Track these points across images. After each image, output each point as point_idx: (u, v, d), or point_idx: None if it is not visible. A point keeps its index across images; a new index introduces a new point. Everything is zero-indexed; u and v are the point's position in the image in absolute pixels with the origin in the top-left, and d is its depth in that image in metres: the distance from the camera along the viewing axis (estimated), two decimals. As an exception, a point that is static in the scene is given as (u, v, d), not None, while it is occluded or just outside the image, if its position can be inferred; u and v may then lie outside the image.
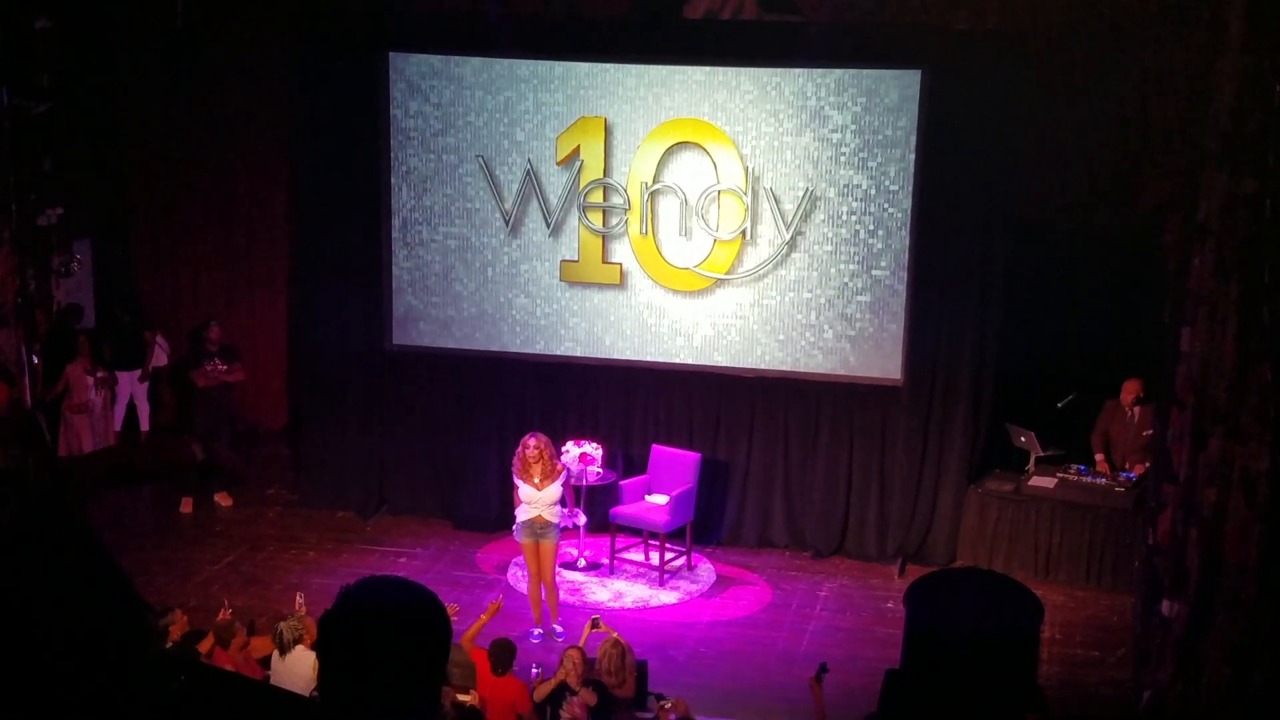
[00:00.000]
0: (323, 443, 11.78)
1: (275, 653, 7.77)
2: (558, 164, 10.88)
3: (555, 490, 9.40)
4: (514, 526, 9.53)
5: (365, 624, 2.29)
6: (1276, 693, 7.79)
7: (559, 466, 9.52)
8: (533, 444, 9.34)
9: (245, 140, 12.76)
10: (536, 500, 9.35)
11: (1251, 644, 7.82)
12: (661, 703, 7.20)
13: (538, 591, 9.55)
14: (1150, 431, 9.85)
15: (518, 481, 9.40)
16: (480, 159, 10.98)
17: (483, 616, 8.31)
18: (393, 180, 11.20)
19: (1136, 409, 10.73)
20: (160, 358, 12.57)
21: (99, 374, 11.90)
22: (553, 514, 9.40)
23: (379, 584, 2.38)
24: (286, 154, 12.59)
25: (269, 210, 13.05)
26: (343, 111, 11.14)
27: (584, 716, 7.57)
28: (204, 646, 7.66)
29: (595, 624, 8.41)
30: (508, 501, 11.43)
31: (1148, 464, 9.98)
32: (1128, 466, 10.78)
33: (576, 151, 10.81)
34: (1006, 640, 2.45)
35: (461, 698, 7.62)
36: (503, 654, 7.74)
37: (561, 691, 7.65)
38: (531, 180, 10.92)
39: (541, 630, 9.52)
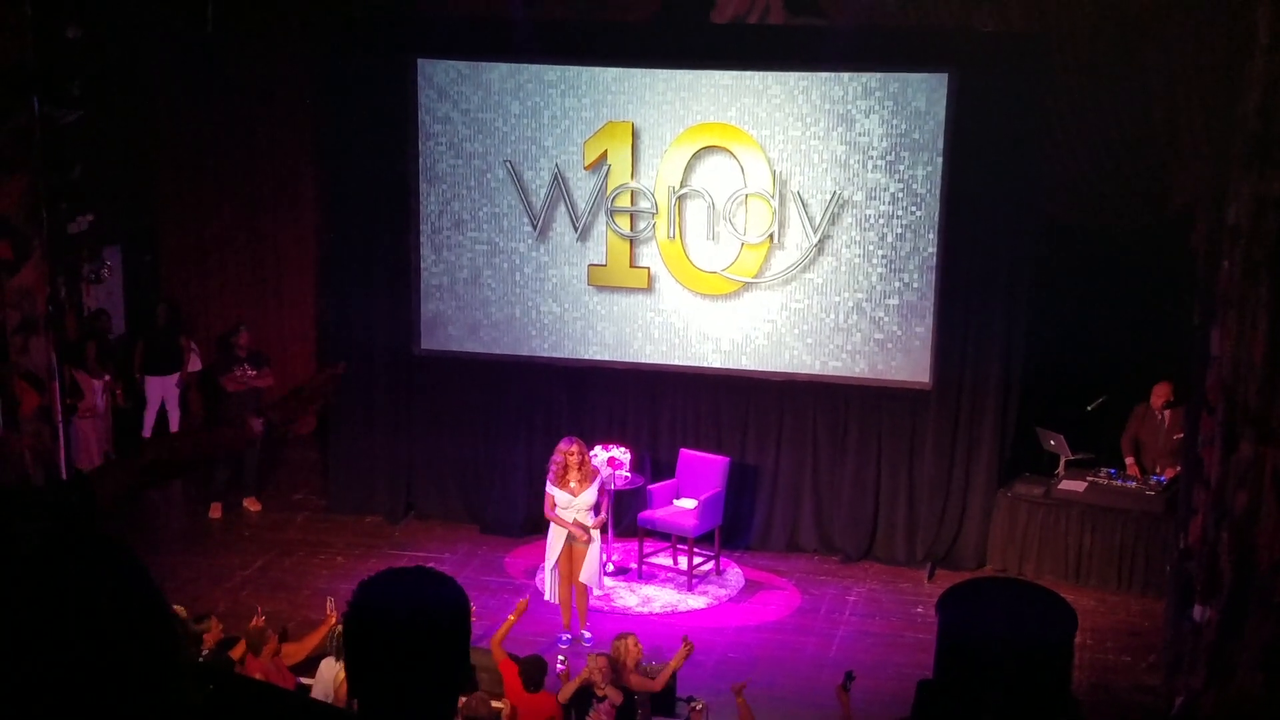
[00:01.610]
0: (351, 447, 11.86)
1: (329, 660, 7.80)
2: (585, 169, 10.93)
3: (591, 495, 9.45)
4: (553, 534, 9.52)
5: (384, 615, 2.28)
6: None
7: (594, 470, 9.56)
8: (571, 449, 9.38)
9: (274, 146, 12.87)
10: (572, 506, 9.39)
11: (1285, 649, 7.79)
12: (693, 704, 7.22)
13: (569, 595, 9.59)
14: (1181, 435, 9.83)
15: (553, 490, 9.42)
16: (508, 164, 11.05)
17: (510, 618, 8.36)
18: (421, 185, 11.27)
19: (1167, 412, 10.70)
20: (194, 363, 12.68)
21: (105, 378, 11.97)
22: (587, 518, 9.44)
23: (398, 575, 2.37)
24: (315, 160, 12.69)
25: (297, 215, 13.14)
26: (371, 117, 11.23)
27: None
28: (235, 653, 7.72)
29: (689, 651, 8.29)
30: (536, 506, 11.48)
31: (1178, 468, 9.95)
32: (1158, 470, 10.76)
33: (604, 156, 10.86)
34: (1042, 650, 2.44)
35: (495, 704, 7.67)
36: (535, 671, 7.77)
37: (586, 694, 7.68)
38: (559, 185, 10.98)
39: (570, 635, 9.56)
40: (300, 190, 13.02)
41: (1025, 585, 2.66)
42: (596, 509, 9.54)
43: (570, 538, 9.43)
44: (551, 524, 9.54)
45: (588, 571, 9.57)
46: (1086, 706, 8.45)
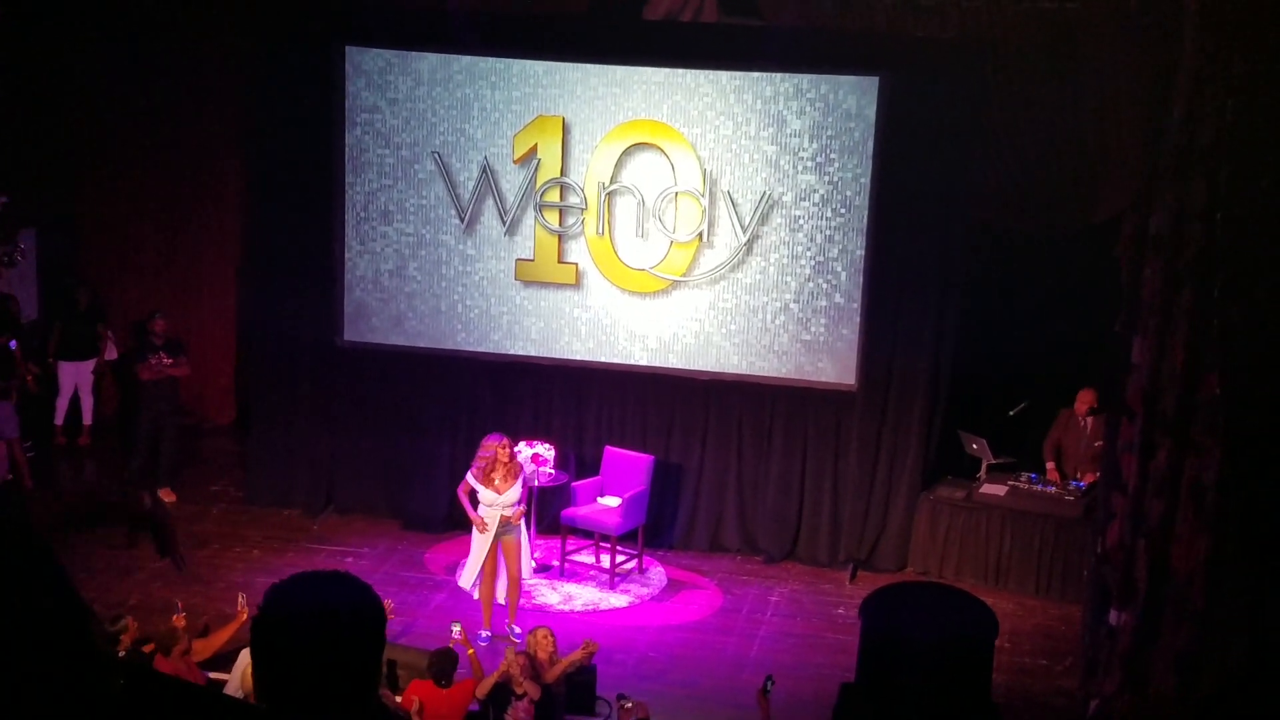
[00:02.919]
0: (270, 439, 11.76)
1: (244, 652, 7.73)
2: (514, 162, 10.90)
3: (516, 492, 9.45)
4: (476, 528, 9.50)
5: (295, 622, 2.27)
6: (1222, 703, 7.91)
7: (518, 466, 9.54)
8: (495, 445, 9.37)
9: (197, 131, 12.68)
10: (497, 503, 9.38)
11: (1198, 654, 7.94)
12: (623, 702, 7.22)
13: (491, 592, 9.54)
14: (1102, 442, 9.97)
15: (476, 485, 9.39)
16: (436, 155, 10.99)
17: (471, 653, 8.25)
18: (347, 175, 11.18)
19: (1090, 419, 10.87)
20: (110, 350, 12.46)
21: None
22: (512, 513, 9.43)
23: (309, 580, 2.36)
24: (239, 146, 12.53)
25: (220, 202, 12.98)
26: (297, 104, 11.11)
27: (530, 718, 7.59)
28: (145, 651, 7.62)
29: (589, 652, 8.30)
30: (457, 502, 11.46)
31: (1098, 474, 10.10)
32: (1079, 476, 10.92)
33: (534, 150, 10.83)
34: (962, 654, 2.48)
35: (395, 699, 7.61)
36: (444, 664, 7.73)
37: (504, 691, 7.65)
38: (488, 178, 10.93)
39: (489, 633, 9.51)
40: (224, 176, 12.86)
41: (947, 589, 2.70)
42: (519, 501, 9.56)
43: (501, 530, 9.40)
44: (471, 518, 9.53)
45: (520, 564, 9.57)
46: (1004, 709, 8.56)
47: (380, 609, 2.37)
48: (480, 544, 9.51)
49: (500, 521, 9.43)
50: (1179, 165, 7.78)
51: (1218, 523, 7.78)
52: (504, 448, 9.40)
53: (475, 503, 9.51)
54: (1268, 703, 7.67)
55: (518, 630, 9.48)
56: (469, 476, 9.51)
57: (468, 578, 9.67)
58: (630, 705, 7.15)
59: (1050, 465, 11.07)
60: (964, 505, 10.80)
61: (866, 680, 2.53)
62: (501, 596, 9.63)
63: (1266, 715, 7.60)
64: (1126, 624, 8.18)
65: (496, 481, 9.38)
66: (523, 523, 9.66)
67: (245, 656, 7.68)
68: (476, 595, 9.63)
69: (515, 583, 9.55)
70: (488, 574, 9.52)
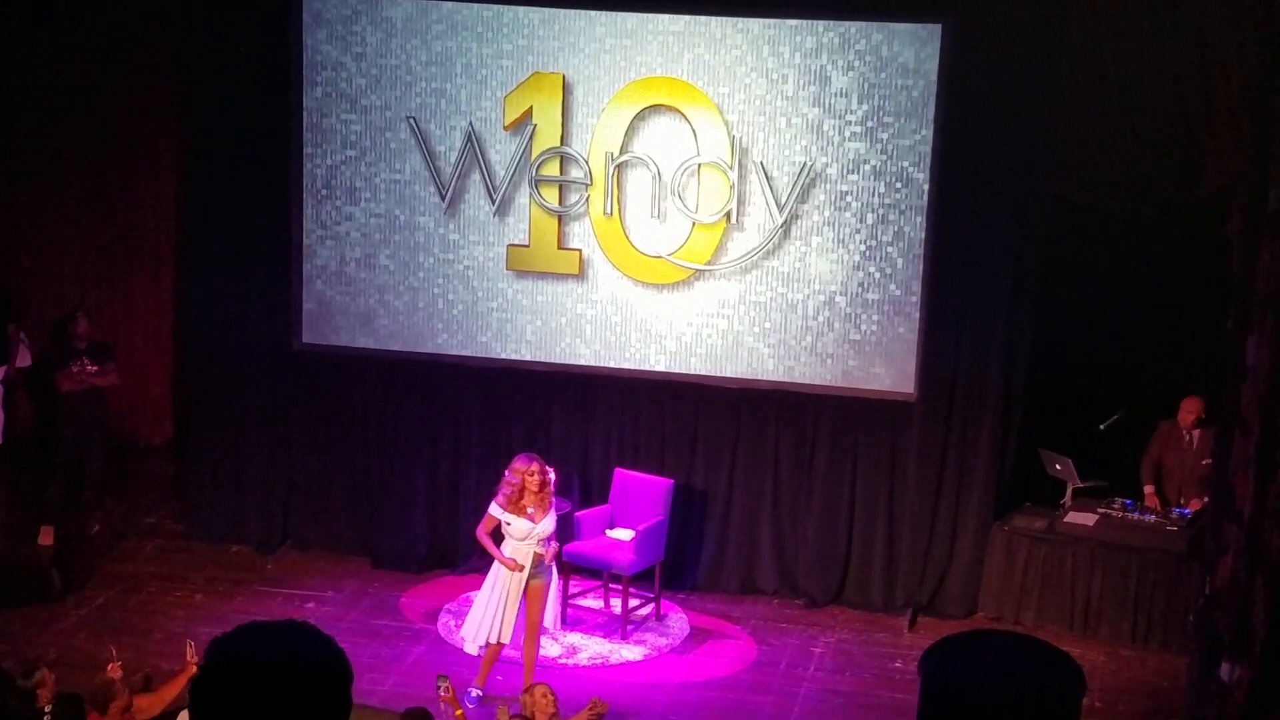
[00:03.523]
0: (214, 462, 11.86)
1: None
2: (505, 129, 10.97)
3: (550, 524, 9.46)
4: (498, 570, 9.42)
5: (242, 682, 2.28)
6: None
7: (551, 495, 9.53)
8: (531, 469, 9.35)
9: (127, 95, 12.68)
10: (532, 536, 9.35)
11: (1327, 714, 7.95)
12: None
13: (533, 649, 9.50)
14: (1210, 460, 9.98)
15: (504, 516, 9.36)
16: (411, 121, 11.06)
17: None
18: (305, 146, 11.27)
19: (1196, 432, 10.90)
20: (24, 357, 12.49)
21: None
22: (546, 550, 9.44)
23: (259, 631, 2.38)
24: (176, 112, 12.53)
25: (154, 179, 13.01)
26: (246, 61, 11.20)
27: None
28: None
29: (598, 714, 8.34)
30: (438, 536, 11.61)
31: (1205, 499, 10.11)
32: (1182, 501, 10.96)
33: (528, 114, 10.90)
34: (1042, 715, 2.47)
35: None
36: None
37: None
38: (473, 147, 11.00)
39: (481, 692, 9.54)
40: (159, 149, 12.87)
41: (1022, 639, 2.70)
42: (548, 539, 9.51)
43: (531, 574, 9.35)
44: (497, 559, 9.43)
45: (548, 613, 9.58)
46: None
47: (344, 664, 2.37)
48: (504, 591, 9.37)
49: (533, 560, 9.39)
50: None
51: (1350, 557, 7.78)
52: (533, 473, 9.35)
53: (499, 540, 9.46)
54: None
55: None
56: (493, 508, 9.45)
57: (476, 636, 9.49)
58: None
59: (1149, 489, 11.10)
60: (1045, 537, 10.83)
61: None
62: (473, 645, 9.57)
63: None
64: (1241, 679, 8.18)
65: (530, 510, 9.37)
66: (554, 565, 9.63)
67: None
68: (475, 652, 9.57)
69: (535, 635, 9.53)
70: (530, 626, 9.41)
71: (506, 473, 9.49)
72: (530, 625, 9.48)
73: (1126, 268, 11.13)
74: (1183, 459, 11.04)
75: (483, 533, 9.49)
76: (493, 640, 9.41)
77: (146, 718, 8.05)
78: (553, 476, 10.38)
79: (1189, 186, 9.97)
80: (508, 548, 9.39)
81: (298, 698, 2.29)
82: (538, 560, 9.38)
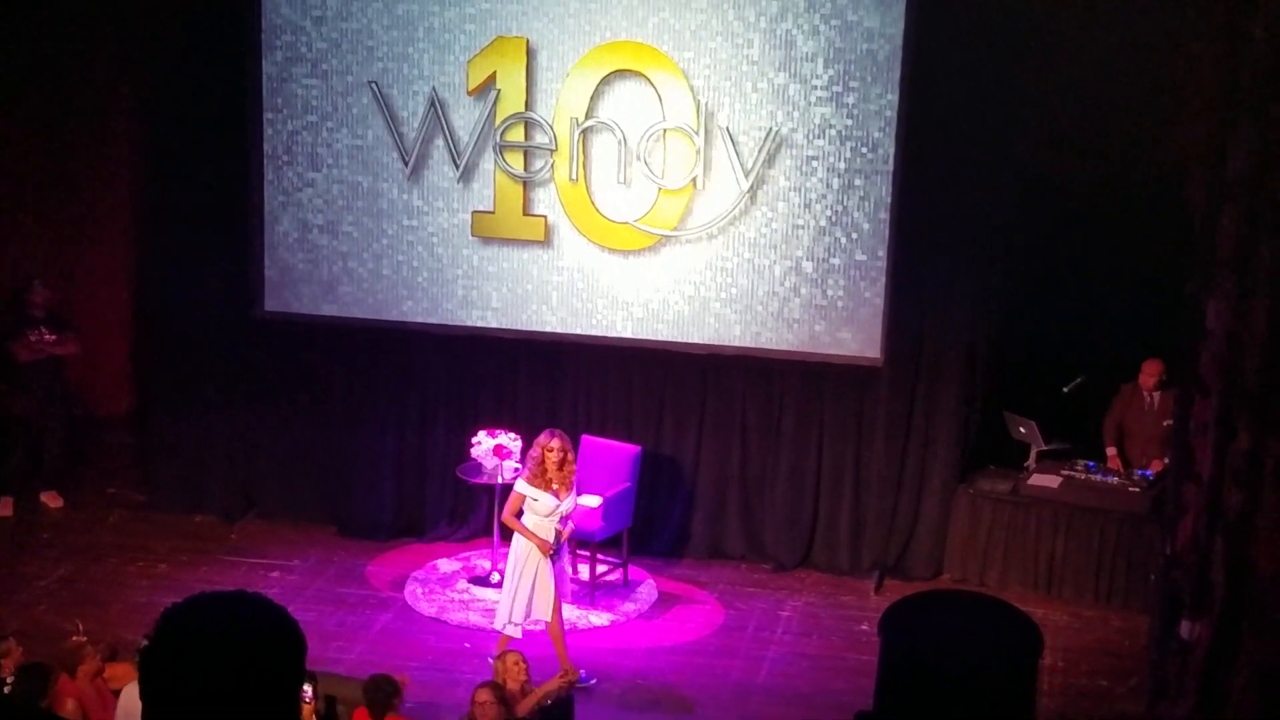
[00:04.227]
0: (176, 431, 11.94)
1: (129, 685, 7.95)
2: (469, 94, 11.06)
3: (572, 503, 9.54)
4: (521, 549, 9.41)
5: (192, 654, 2.31)
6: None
7: (573, 472, 9.55)
8: (556, 445, 9.38)
9: (83, 61, 12.67)
10: (556, 513, 9.41)
11: (1284, 670, 8.24)
12: None
13: (560, 623, 9.54)
14: (1171, 422, 10.18)
15: (530, 490, 9.39)
16: (374, 86, 11.14)
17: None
18: (265, 111, 11.32)
19: (1157, 395, 11.14)
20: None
21: None
22: (563, 527, 9.51)
23: (209, 602, 2.41)
24: (131, 74, 12.53)
25: (110, 145, 13.01)
26: (204, 25, 11.27)
27: None
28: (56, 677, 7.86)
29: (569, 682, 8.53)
30: (405, 503, 11.71)
31: (1167, 460, 10.36)
32: (1145, 463, 11.20)
33: (492, 79, 10.98)
34: (999, 676, 2.54)
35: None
36: (378, 694, 8.00)
37: None
38: (437, 113, 11.08)
39: (588, 672, 9.53)
40: (114, 115, 12.85)
41: (981, 599, 2.77)
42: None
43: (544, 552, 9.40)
44: (518, 536, 9.45)
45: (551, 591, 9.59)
46: (1057, 738, 8.88)
47: (296, 633, 2.41)
48: (533, 571, 9.37)
49: (558, 538, 9.46)
50: (1263, 92, 8.00)
51: (1308, 517, 8.06)
52: (553, 449, 9.36)
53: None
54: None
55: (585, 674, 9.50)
56: (518, 485, 9.49)
57: (513, 616, 9.40)
58: None
59: (1111, 451, 11.34)
60: (1010, 500, 11.09)
61: (886, 708, 2.61)
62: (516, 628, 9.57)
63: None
64: (1201, 636, 8.41)
65: (555, 486, 9.41)
66: (565, 544, 9.67)
67: (133, 697, 7.89)
68: (519, 635, 9.48)
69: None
70: (555, 604, 9.46)
71: (530, 447, 9.53)
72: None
73: (1089, 232, 11.26)
74: (1144, 421, 11.28)
75: (510, 515, 9.47)
76: (546, 618, 9.39)
77: (120, 685, 8.21)
78: (496, 442, 10.54)
79: (1152, 153, 10.18)
80: (530, 523, 9.40)
81: (249, 667, 2.32)
82: (558, 537, 9.48)
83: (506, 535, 11.03)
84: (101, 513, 12.03)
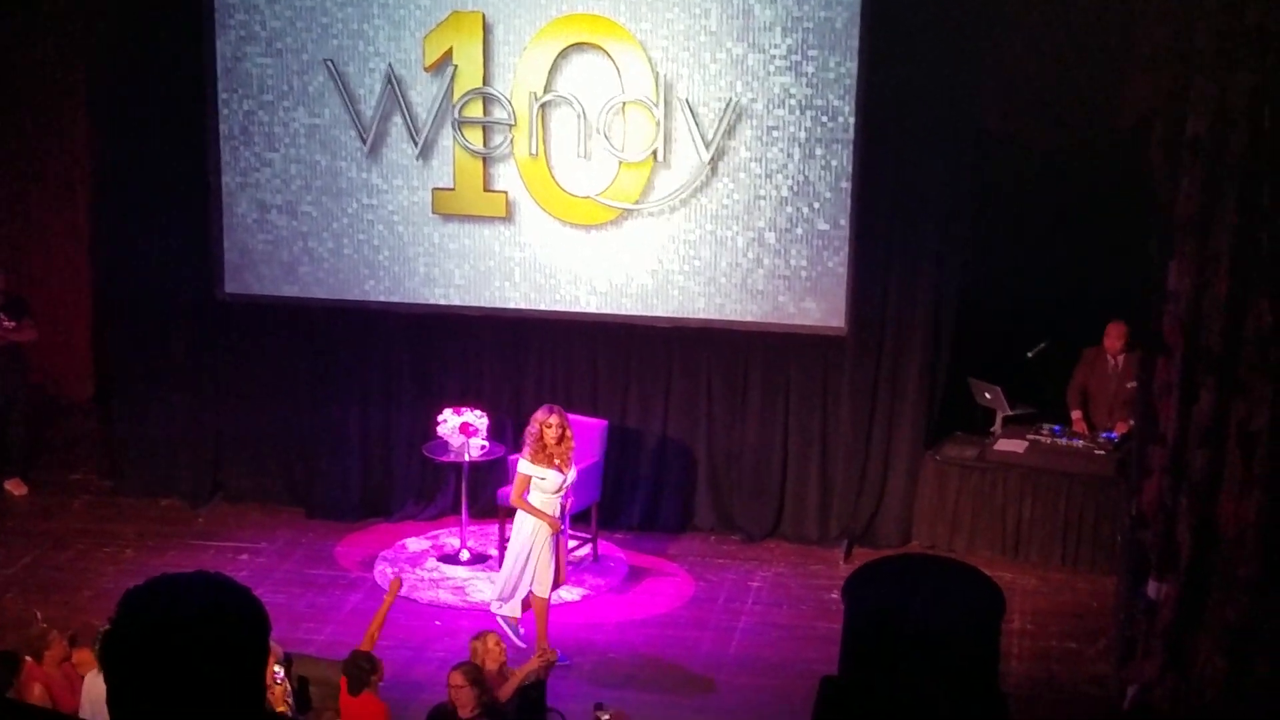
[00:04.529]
0: (140, 416, 11.91)
1: (93, 671, 7.91)
2: (426, 70, 11.02)
3: (574, 476, 9.57)
4: (525, 526, 9.43)
5: (154, 634, 2.30)
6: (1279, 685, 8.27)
7: (572, 446, 9.55)
8: (555, 421, 9.38)
9: (35, 43, 12.60)
10: (563, 488, 9.44)
11: (1250, 629, 8.28)
12: (600, 714, 7.46)
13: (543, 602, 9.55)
14: (1135, 384, 10.22)
15: (534, 469, 9.38)
16: (330, 64, 11.08)
17: (385, 600, 8.49)
18: (220, 92, 11.25)
19: (1121, 357, 11.20)
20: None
21: None
22: (565, 500, 9.54)
23: (173, 582, 2.41)
24: (87, 60, 12.47)
25: (66, 129, 12.95)
26: (156, 4, 11.22)
27: None
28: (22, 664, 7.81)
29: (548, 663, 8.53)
30: (372, 484, 11.72)
31: (1131, 422, 10.39)
32: (1110, 426, 11.27)
33: (448, 55, 10.93)
34: (961, 637, 2.55)
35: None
36: (358, 669, 7.96)
37: (442, 718, 7.83)
38: (394, 90, 11.04)
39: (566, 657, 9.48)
40: (71, 101, 12.79)
41: (943, 563, 2.79)
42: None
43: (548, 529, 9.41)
44: (523, 513, 9.45)
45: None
46: (1027, 702, 8.90)
47: (259, 612, 2.41)
48: (539, 548, 9.39)
49: (553, 519, 9.45)
50: (1219, 53, 8.01)
51: (1271, 475, 8.09)
52: (551, 425, 9.35)
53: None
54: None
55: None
56: (522, 465, 9.48)
57: (515, 595, 9.49)
58: (608, 717, 7.39)
59: (1076, 414, 11.41)
60: (976, 465, 11.14)
61: (851, 672, 2.63)
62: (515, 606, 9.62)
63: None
64: (1168, 597, 8.46)
65: (557, 463, 9.41)
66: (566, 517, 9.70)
67: (98, 683, 7.85)
68: (517, 613, 9.54)
69: (555, 585, 9.61)
70: (556, 581, 9.49)
71: (529, 424, 9.52)
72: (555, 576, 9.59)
73: (1052, 198, 11.31)
74: (1108, 384, 11.34)
75: (518, 497, 9.45)
76: (540, 594, 9.40)
77: (89, 671, 8.18)
78: (462, 420, 10.54)
79: (1111, 115, 10.20)
80: (536, 500, 9.40)
81: (211, 646, 2.32)
82: (562, 511, 9.49)
83: (479, 512, 11.12)
84: (67, 499, 11.98)
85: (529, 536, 9.42)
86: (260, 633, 2.41)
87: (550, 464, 9.39)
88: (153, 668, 2.31)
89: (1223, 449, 8.20)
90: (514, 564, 9.51)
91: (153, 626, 2.33)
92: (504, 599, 9.60)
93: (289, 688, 8.10)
